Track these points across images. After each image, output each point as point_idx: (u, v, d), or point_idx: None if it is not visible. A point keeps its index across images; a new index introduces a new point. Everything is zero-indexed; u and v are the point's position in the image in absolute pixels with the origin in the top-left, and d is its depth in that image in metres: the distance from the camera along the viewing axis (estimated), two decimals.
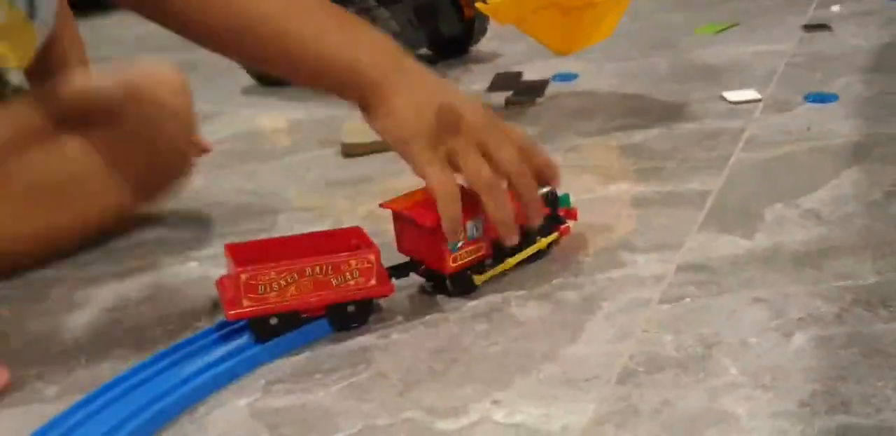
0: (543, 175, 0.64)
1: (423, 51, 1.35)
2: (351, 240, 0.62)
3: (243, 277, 0.56)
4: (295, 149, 1.01)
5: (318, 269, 0.57)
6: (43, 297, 0.70)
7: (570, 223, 0.69)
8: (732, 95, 1.01)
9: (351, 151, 0.97)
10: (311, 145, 1.02)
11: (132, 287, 0.70)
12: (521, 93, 1.12)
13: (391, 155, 0.93)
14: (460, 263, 0.62)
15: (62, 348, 0.62)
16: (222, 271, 0.62)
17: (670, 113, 0.99)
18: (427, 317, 0.61)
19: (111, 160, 0.74)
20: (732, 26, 1.36)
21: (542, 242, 0.67)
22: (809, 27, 1.30)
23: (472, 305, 0.62)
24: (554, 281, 0.64)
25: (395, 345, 0.58)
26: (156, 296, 0.69)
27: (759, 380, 0.50)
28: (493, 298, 0.63)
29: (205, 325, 0.62)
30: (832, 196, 0.73)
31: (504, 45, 1.37)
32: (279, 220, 0.81)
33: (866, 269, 0.61)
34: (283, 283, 0.56)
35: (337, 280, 0.58)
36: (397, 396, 0.53)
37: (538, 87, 1.14)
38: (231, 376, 0.56)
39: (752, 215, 0.71)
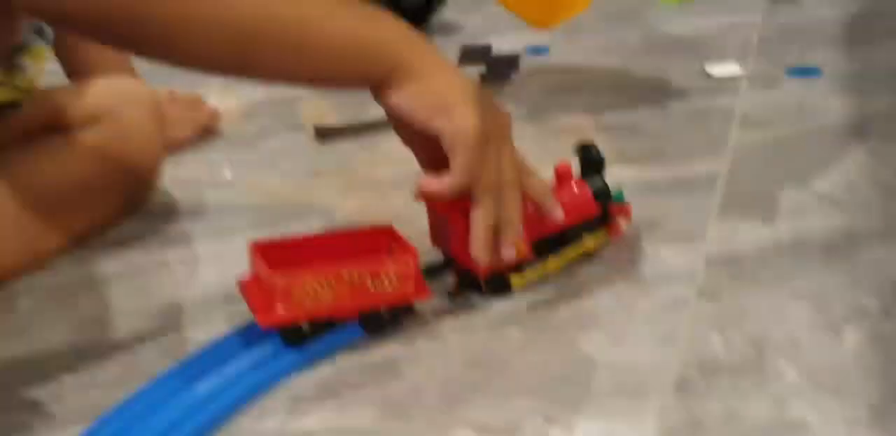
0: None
1: None
2: (384, 240, 0.58)
3: (280, 282, 0.52)
4: (262, 133, 0.95)
5: (356, 274, 0.53)
6: (9, 309, 0.63)
7: (623, 222, 0.63)
8: (715, 70, 0.99)
9: (325, 134, 0.91)
10: (279, 129, 0.95)
11: (115, 295, 0.64)
12: (494, 68, 1.08)
13: (366, 140, 0.90)
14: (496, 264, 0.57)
15: (39, 373, 0.54)
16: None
17: (655, 89, 0.96)
18: (453, 322, 0.57)
19: (73, 179, 0.70)
20: None
21: (589, 242, 0.62)
22: None
23: (499, 307, 0.58)
24: (581, 278, 0.61)
25: (424, 355, 0.54)
26: (143, 305, 0.62)
27: (822, 384, 0.48)
28: (520, 300, 0.59)
29: (201, 337, 0.56)
30: (843, 179, 0.72)
31: (464, 14, 1.32)
32: (265, 215, 0.75)
33: None
34: (319, 289, 0.52)
35: (374, 286, 0.54)
36: (441, 413, 0.49)
37: (511, 62, 1.09)
38: (254, 393, 0.51)
39: (767, 200, 0.69)
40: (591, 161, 0.62)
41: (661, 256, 0.63)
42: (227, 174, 0.85)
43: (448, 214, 0.56)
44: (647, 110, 0.90)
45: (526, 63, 1.09)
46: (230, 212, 0.76)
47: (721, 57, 1.04)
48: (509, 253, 0.55)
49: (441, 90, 0.53)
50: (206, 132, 0.94)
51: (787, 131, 0.82)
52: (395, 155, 0.85)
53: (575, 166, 0.62)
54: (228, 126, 0.97)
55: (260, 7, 0.52)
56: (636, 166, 0.78)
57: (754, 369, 0.50)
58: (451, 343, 0.55)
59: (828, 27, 1.12)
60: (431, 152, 0.55)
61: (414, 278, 0.55)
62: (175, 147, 0.88)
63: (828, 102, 0.88)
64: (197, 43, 0.52)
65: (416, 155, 0.59)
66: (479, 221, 0.54)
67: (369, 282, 0.53)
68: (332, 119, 0.96)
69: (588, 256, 0.63)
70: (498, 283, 0.59)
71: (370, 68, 0.54)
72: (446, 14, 1.33)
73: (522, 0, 0.98)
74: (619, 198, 0.63)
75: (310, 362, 0.53)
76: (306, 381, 0.52)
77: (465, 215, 0.55)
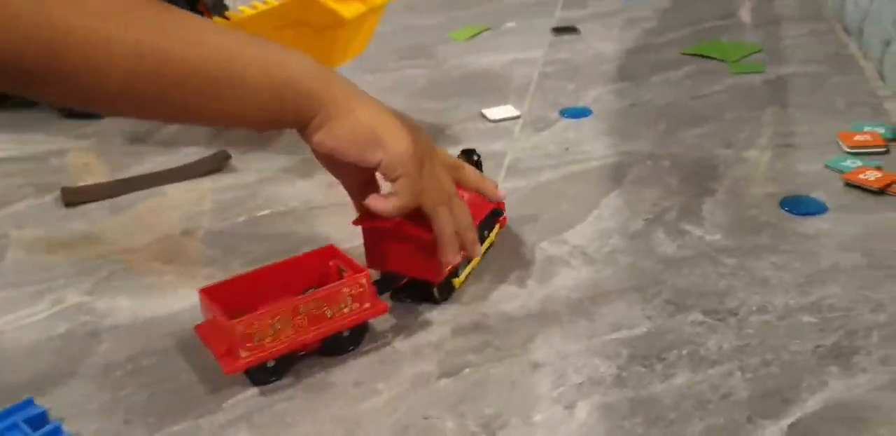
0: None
1: None
2: (329, 260, 0.59)
3: (239, 328, 0.51)
4: (5, 198, 0.86)
5: (312, 305, 0.54)
6: None
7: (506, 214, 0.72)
8: (492, 113, 0.99)
9: (73, 199, 0.84)
10: (27, 192, 0.87)
11: None
12: None
13: (120, 202, 0.83)
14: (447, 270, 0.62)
15: None
16: None
17: (435, 136, 0.94)
18: (176, 427, 0.52)
19: None
20: (484, 30, 1.35)
21: (492, 237, 0.70)
22: (558, 30, 1.32)
23: (230, 403, 0.54)
24: (321, 361, 0.58)
25: None
26: None
27: None
28: (252, 393, 0.55)
29: None
30: (596, 229, 0.72)
31: None
32: None
33: (637, 315, 0.60)
34: (278, 326, 0.53)
35: (332, 311, 0.55)
36: None
37: None
38: None
39: (523, 258, 0.69)
40: (473, 165, 0.68)
41: (412, 327, 0.61)
42: None
43: (407, 230, 0.59)
44: None
45: None
46: None
47: (501, 97, 1.04)
48: (476, 250, 0.61)
49: (367, 124, 0.53)
50: None
51: (551, 178, 0.82)
52: (146, 220, 0.80)
53: None
54: None
55: (189, 35, 0.49)
56: None
57: None
58: None
59: (603, 63, 1.15)
60: (360, 178, 0.59)
61: (370, 297, 0.56)
62: None
63: (592, 145, 0.89)
64: (116, 73, 0.46)
65: (345, 184, 0.61)
66: (446, 231, 0.57)
67: (327, 309, 0.54)
68: (99, 175, 0.88)
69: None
70: (446, 287, 0.63)
71: (285, 110, 0.52)
72: None
73: (297, 48, 0.94)
74: None
75: None
76: None
77: (419, 231, 0.58)
